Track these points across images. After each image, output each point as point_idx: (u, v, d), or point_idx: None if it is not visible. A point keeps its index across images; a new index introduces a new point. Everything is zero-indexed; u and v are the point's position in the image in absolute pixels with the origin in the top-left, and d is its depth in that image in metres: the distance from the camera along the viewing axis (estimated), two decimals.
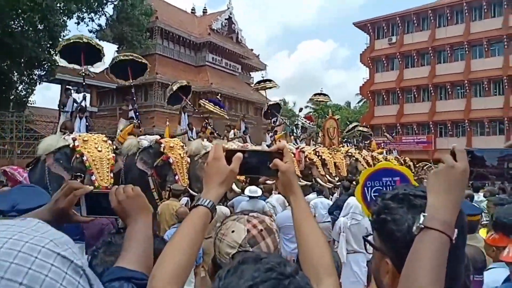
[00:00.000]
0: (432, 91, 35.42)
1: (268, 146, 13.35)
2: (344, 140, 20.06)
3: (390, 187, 4.21)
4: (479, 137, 33.19)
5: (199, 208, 1.00)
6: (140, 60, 11.35)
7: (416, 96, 36.47)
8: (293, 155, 12.78)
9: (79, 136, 8.27)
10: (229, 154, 1.06)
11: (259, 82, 16.02)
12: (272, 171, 1.09)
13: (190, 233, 0.95)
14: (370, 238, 1.02)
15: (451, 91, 34.73)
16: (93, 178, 7.43)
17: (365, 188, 4.19)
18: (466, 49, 33.86)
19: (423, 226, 0.83)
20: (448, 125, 34.42)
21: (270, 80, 15.85)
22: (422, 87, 36.07)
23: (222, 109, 13.25)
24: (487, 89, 33.00)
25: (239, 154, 1.06)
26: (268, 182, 10.67)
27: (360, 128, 22.60)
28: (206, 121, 13.90)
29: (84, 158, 7.61)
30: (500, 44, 32.54)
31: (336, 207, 7.55)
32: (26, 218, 0.63)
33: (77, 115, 10.42)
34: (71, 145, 8.06)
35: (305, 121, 19.73)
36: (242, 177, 10.59)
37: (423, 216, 0.85)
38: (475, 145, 32.95)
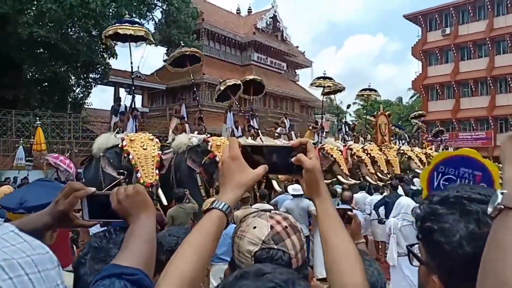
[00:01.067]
0: (491, 84, 33.20)
1: (315, 144, 13.12)
2: (397, 137, 19.28)
3: (467, 181, 3.80)
4: None
5: (212, 211, 0.89)
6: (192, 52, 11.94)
7: (474, 89, 34.36)
8: (340, 153, 12.46)
9: (127, 136, 8.61)
10: (245, 150, 0.97)
11: (318, 78, 15.11)
12: (295, 168, 0.98)
13: (200, 240, 0.85)
14: (416, 247, 0.84)
15: None
16: (139, 175, 7.66)
17: (434, 172, 3.78)
18: None
19: (502, 207, 0.63)
20: (509, 120, 32.11)
21: (330, 78, 14.98)
22: (480, 80, 33.91)
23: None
24: None
25: (265, 167, 0.95)
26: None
27: (416, 121, 21.68)
28: (248, 117, 13.93)
29: (130, 156, 7.89)
30: None
31: (383, 203, 7.42)
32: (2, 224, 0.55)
33: (129, 115, 10.86)
34: (119, 145, 8.42)
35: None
36: (284, 176, 10.56)
37: (501, 193, 0.64)
38: None
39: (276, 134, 14.31)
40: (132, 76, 10.73)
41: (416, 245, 0.84)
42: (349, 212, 1.55)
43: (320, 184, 0.98)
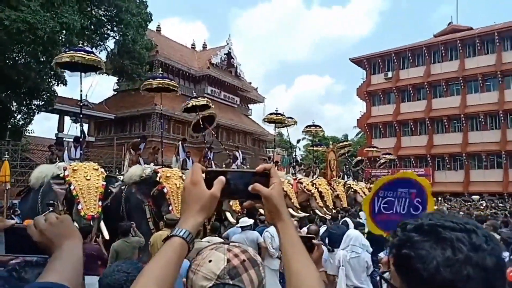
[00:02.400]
0: (429, 125, 35.67)
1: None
2: (343, 172, 20.01)
3: (404, 200, 3.83)
4: (477, 171, 33.12)
5: (173, 239, 0.87)
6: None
7: (413, 129, 36.70)
8: (291, 186, 12.66)
9: (70, 165, 8.23)
10: (210, 176, 0.95)
11: (271, 114, 15.58)
12: (256, 194, 0.97)
13: (160, 272, 0.81)
14: (387, 274, 0.87)
15: (448, 125, 34.99)
16: (80, 207, 7.30)
17: (376, 198, 3.85)
18: (462, 84, 34.42)
19: None
20: (445, 158, 34.43)
21: (282, 114, 15.50)
22: (419, 121, 36.37)
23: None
24: (483, 123, 33.27)
25: (221, 178, 0.94)
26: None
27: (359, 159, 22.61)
28: (206, 150, 13.90)
29: (72, 187, 7.53)
30: (495, 79, 33.14)
31: (328, 235, 7.60)
32: None
33: (73, 144, 10.43)
34: (61, 175, 8.01)
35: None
36: (238, 208, 10.47)
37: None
38: (473, 178, 32.87)
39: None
40: (81, 104, 10.47)
41: (387, 273, 0.85)
42: (313, 241, 1.55)
43: (280, 210, 0.96)
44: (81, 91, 9.95)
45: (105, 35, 22.33)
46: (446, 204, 22.12)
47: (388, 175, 4.25)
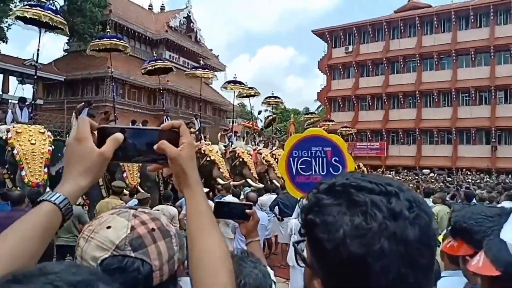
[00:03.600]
0: (385, 100, 36.61)
1: (225, 146, 12.99)
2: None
3: (321, 159, 3.67)
4: (429, 146, 34.64)
5: (42, 204, 0.70)
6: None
7: (371, 104, 37.54)
8: (250, 157, 12.51)
9: (13, 127, 7.63)
10: (104, 134, 0.79)
11: (228, 82, 15.25)
12: (162, 155, 0.81)
13: (16, 240, 0.66)
14: (302, 245, 0.70)
15: (403, 101, 36.06)
16: (23, 173, 6.77)
17: (290, 159, 3.68)
18: (418, 61, 35.33)
19: None
20: (400, 133, 35.67)
21: (240, 83, 15.20)
22: (376, 96, 37.21)
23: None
24: (436, 100, 34.58)
25: (117, 135, 0.78)
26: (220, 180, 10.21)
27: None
28: (164, 117, 13.45)
29: (15, 151, 6.95)
30: (449, 58, 34.26)
31: (276, 203, 7.88)
32: None
33: (18, 105, 9.71)
34: (3, 137, 7.42)
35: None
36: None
37: None
38: (424, 153, 34.41)
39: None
40: (36, 65, 9.82)
41: (303, 243, 0.69)
42: (247, 210, 1.49)
43: (188, 174, 0.82)
44: (38, 50, 9.36)
45: None
46: (398, 177, 23.01)
47: (295, 135, 4.09)
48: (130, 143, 0.80)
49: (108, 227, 0.78)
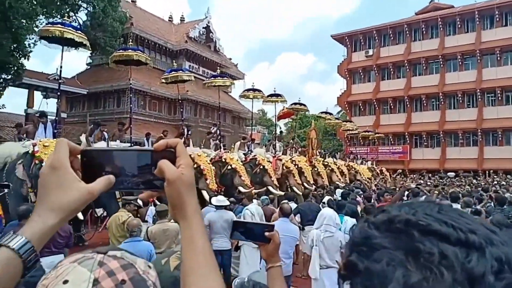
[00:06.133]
0: (407, 103, 35.94)
1: (245, 154, 12.96)
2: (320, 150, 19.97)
3: None
4: (453, 148, 33.72)
5: (0, 250, 0.59)
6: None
7: (392, 107, 36.93)
8: (270, 164, 12.41)
9: (40, 141, 7.92)
10: (87, 158, 0.68)
11: (247, 90, 15.45)
12: (157, 180, 0.71)
13: None
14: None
15: (426, 103, 35.31)
16: None
17: None
18: (441, 62, 34.58)
19: None
20: (423, 136, 34.89)
21: (259, 90, 15.34)
22: (398, 99, 36.58)
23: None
24: (461, 101, 33.69)
25: (111, 178, 0.67)
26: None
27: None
28: (183, 128, 13.59)
29: (43, 164, 7.11)
30: (473, 58, 33.38)
31: (298, 211, 7.74)
32: None
33: (38, 120, 9.96)
34: (30, 151, 7.69)
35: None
36: (214, 186, 10.18)
37: None
38: (449, 155, 33.50)
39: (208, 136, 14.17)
40: (59, 80, 10.11)
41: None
42: (266, 233, 1.34)
43: (186, 202, 0.70)
44: (61, 66, 9.70)
45: (77, 6, 21.19)
46: (421, 181, 22.46)
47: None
48: (118, 167, 0.69)
49: (65, 282, 0.61)
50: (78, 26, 10.20)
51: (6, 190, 6.71)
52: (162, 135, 12.74)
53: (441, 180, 23.62)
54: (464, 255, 0.41)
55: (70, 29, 8.85)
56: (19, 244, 0.58)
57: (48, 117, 10.32)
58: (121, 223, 5.46)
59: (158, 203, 7.49)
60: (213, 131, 14.83)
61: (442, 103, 34.32)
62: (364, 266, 0.45)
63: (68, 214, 0.63)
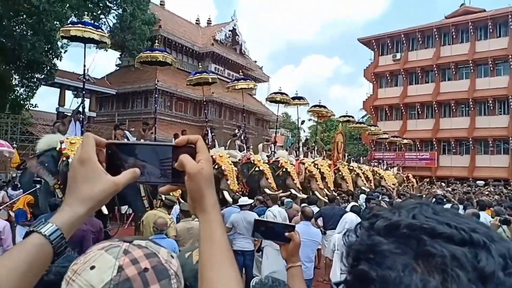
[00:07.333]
0: (436, 108, 35.09)
1: (268, 157, 12.96)
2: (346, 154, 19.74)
3: None
4: (483, 156, 32.69)
5: (31, 236, 0.63)
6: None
7: (420, 112, 36.14)
8: (293, 167, 12.34)
9: (67, 138, 8.05)
10: (112, 151, 0.72)
11: (275, 93, 15.33)
12: (177, 174, 0.73)
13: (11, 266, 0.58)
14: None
15: (455, 109, 34.40)
16: None
17: None
18: (471, 67, 33.63)
19: None
20: (451, 142, 33.99)
21: (286, 94, 15.22)
22: (426, 104, 35.76)
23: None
24: (491, 108, 32.65)
25: (136, 171, 0.71)
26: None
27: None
28: (207, 129, 13.71)
29: (70, 160, 7.30)
30: (506, 64, 32.31)
31: (319, 215, 7.71)
32: None
33: (71, 118, 10.22)
34: (57, 148, 7.83)
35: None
36: (236, 187, 10.20)
37: None
38: (478, 163, 32.49)
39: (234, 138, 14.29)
40: (84, 79, 10.27)
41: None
42: (286, 233, 1.37)
43: (205, 196, 0.72)
44: (84, 65, 9.91)
45: (107, 9, 21.79)
46: (448, 189, 21.89)
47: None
48: (140, 161, 0.72)
49: (92, 267, 0.65)
50: (97, 25, 10.33)
51: (38, 186, 6.93)
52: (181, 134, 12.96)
53: (469, 188, 22.92)
54: (472, 255, 0.41)
55: (90, 28, 8.88)
56: (50, 230, 0.62)
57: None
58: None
59: (182, 201, 7.61)
60: (238, 134, 14.89)
61: (472, 109, 33.35)
62: (377, 275, 0.43)
63: (95, 205, 0.67)
